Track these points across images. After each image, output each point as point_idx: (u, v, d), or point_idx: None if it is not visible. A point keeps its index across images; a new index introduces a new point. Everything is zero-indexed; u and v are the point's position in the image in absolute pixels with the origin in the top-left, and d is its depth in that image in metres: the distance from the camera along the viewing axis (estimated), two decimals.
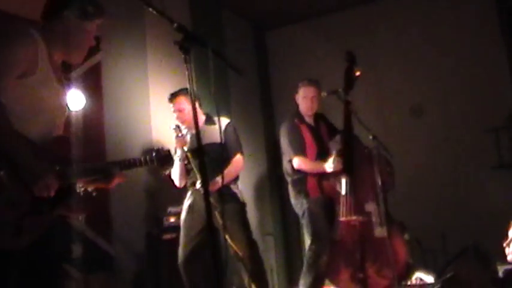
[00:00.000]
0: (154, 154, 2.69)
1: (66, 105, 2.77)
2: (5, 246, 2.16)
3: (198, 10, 6.53)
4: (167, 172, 4.23)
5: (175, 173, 4.61)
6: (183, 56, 2.40)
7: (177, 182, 4.66)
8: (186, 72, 2.42)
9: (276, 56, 7.65)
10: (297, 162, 4.74)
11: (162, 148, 2.70)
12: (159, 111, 6.08)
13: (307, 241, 4.96)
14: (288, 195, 6.18)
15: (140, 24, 6.36)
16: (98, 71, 6.05)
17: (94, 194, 4.92)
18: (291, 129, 4.87)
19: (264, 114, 7.44)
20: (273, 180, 7.22)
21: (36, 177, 2.28)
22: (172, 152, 4.63)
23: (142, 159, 2.67)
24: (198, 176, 4.34)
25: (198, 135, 2.37)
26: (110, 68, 6.05)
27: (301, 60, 7.21)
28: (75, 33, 2.60)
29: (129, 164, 2.71)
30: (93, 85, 5.90)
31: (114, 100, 6.00)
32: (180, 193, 4.93)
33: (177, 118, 4.60)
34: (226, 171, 4.29)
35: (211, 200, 4.30)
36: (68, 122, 5.52)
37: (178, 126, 4.48)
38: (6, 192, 2.19)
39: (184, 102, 4.61)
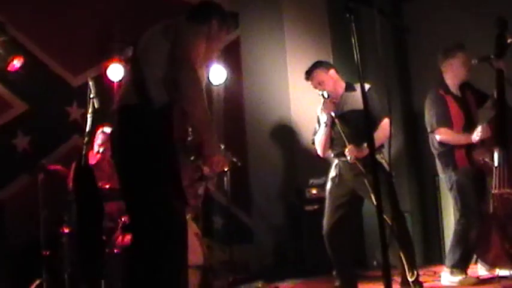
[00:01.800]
0: None
1: None
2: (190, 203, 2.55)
3: None
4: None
5: (320, 139, 4.68)
6: (347, 15, 2.47)
7: (320, 149, 4.70)
8: (352, 39, 2.44)
9: (413, 26, 7.50)
10: (440, 134, 4.65)
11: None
12: (298, 85, 6.21)
13: (451, 217, 4.88)
14: (425, 170, 6.07)
15: None
16: (237, 46, 6.33)
17: (239, 164, 5.19)
18: (435, 100, 4.72)
19: (401, 85, 7.34)
20: (410, 155, 7.14)
21: (214, 152, 2.67)
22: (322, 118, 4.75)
23: None
24: (346, 142, 4.40)
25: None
26: (248, 42, 6.30)
27: (441, 29, 7.02)
28: (214, 38, 2.99)
29: None
30: (233, 60, 6.17)
31: (253, 74, 6.24)
32: (322, 165, 5.02)
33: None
34: (374, 136, 4.24)
35: (360, 166, 4.40)
36: (209, 96, 5.91)
37: (326, 93, 4.54)
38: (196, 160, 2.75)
39: (322, 75, 4.64)
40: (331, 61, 5.96)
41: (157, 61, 2.77)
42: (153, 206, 2.68)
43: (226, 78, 5.85)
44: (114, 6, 5.78)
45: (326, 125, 4.56)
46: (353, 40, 2.48)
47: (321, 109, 4.59)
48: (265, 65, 6.29)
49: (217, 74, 5.78)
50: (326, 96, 4.53)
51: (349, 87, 4.60)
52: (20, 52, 5.22)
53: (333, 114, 4.49)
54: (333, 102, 4.52)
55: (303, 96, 6.18)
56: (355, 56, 2.56)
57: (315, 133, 4.80)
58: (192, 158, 2.80)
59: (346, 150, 4.42)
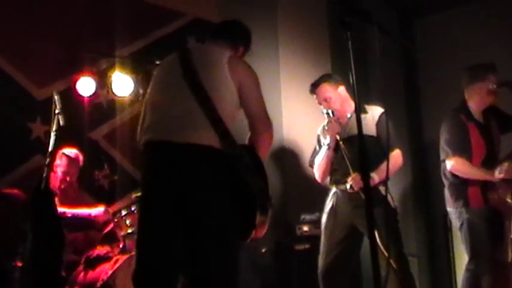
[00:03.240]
0: None
1: None
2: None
3: None
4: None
5: (320, 162, 4.66)
6: (344, 32, 2.50)
7: (318, 174, 4.69)
8: (349, 53, 2.46)
9: (425, 46, 7.55)
10: (454, 163, 4.55)
11: None
12: (292, 106, 6.21)
13: (462, 260, 4.82)
14: (435, 208, 6.01)
15: (272, 10, 6.57)
16: None
17: None
18: (455, 125, 4.63)
19: (410, 111, 7.35)
20: (418, 191, 7.12)
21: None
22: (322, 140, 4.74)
23: None
24: (350, 170, 4.38)
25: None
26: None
27: (457, 48, 7.06)
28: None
29: None
30: None
31: None
32: (316, 198, 4.99)
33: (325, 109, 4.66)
34: (382, 167, 4.23)
35: (360, 197, 4.33)
36: None
37: (331, 112, 4.54)
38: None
39: (329, 90, 4.64)
40: None
41: (230, 104, 3.07)
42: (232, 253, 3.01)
43: None
44: (85, 12, 5.77)
45: (329, 148, 4.55)
46: (350, 60, 2.54)
47: (324, 129, 4.59)
48: None
49: None
50: (331, 115, 4.52)
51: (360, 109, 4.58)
52: None
53: (338, 137, 4.47)
54: (338, 122, 4.51)
55: (297, 119, 6.18)
56: (351, 77, 2.59)
57: (313, 154, 4.78)
58: None
59: (350, 178, 4.41)
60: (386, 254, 3.96)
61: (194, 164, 2.94)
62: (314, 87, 4.70)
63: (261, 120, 3.21)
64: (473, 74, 4.71)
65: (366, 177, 2.55)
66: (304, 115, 5.80)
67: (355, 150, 4.38)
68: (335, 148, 4.56)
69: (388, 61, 6.96)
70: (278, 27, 6.54)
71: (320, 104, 4.67)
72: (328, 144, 4.57)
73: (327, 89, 4.66)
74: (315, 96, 4.71)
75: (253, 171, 2.99)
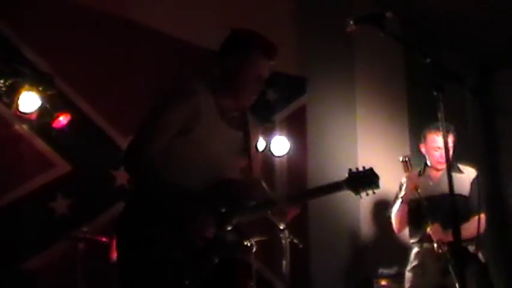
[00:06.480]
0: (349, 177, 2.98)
1: (247, 145, 3.17)
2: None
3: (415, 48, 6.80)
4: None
5: (396, 213, 4.78)
6: (435, 94, 2.58)
7: (395, 226, 4.81)
8: (439, 114, 2.57)
9: (504, 98, 7.58)
10: None
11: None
12: (368, 159, 6.34)
13: None
14: None
15: (349, 63, 6.78)
16: (303, 114, 6.55)
17: (300, 246, 5.27)
18: None
19: (489, 165, 7.36)
20: (498, 246, 7.08)
21: (191, 219, 2.81)
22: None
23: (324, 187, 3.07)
24: (429, 222, 4.48)
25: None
26: (315, 111, 6.53)
27: None
28: (238, 76, 2.99)
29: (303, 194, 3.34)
30: (297, 129, 6.38)
31: (319, 145, 6.43)
32: (393, 252, 5.09)
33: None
34: (466, 226, 4.38)
35: (448, 256, 4.42)
36: (271, 168, 6.08)
37: (408, 160, 4.64)
38: (165, 242, 2.82)
39: (448, 142, 4.69)
40: (407, 135, 6.13)
41: None
42: None
43: (290, 149, 6.03)
44: (171, 67, 6.00)
45: (402, 201, 4.67)
46: (440, 121, 2.63)
47: (405, 181, 4.69)
48: (332, 136, 6.47)
49: (279, 144, 5.98)
50: (408, 166, 4.59)
51: (455, 168, 4.69)
52: (67, 108, 5.38)
53: (418, 190, 4.57)
54: (429, 178, 4.61)
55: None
56: (443, 140, 2.69)
57: (392, 204, 4.90)
58: None
59: (429, 228, 4.49)
60: None
61: None
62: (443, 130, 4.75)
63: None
64: None
65: (457, 238, 2.59)
66: (379, 164, 5.91)
67: (442, 207, 4.50)
68: (416, 206, 4.69)
69: (465, 113, 7.05)
70: (356, 81, 6.74)
71: (430, 148, 4.76)
72: (401, 197, 4.69)
73: (454, 137, 4.75)
74: (429, 135, 4.76)
75: None
